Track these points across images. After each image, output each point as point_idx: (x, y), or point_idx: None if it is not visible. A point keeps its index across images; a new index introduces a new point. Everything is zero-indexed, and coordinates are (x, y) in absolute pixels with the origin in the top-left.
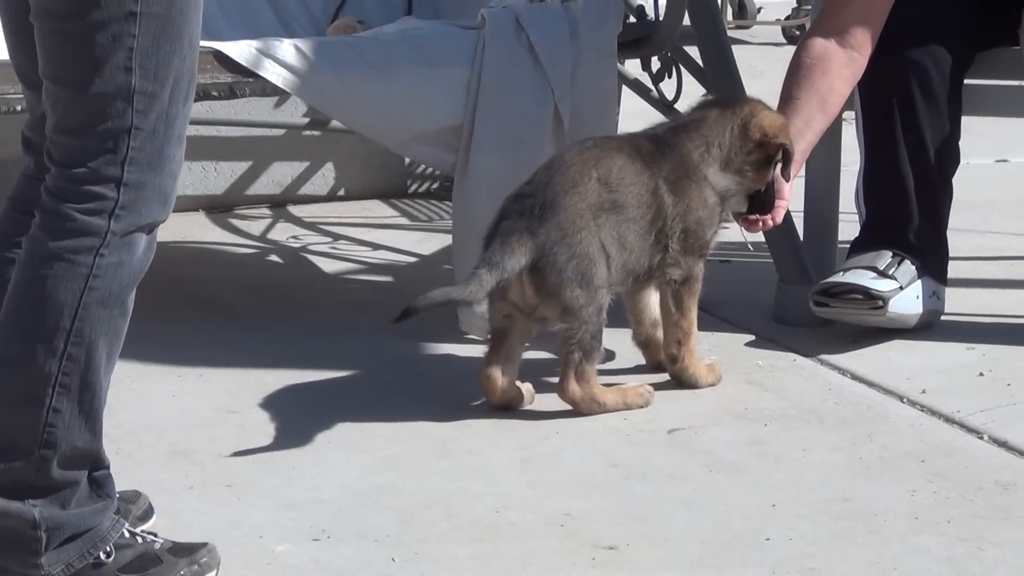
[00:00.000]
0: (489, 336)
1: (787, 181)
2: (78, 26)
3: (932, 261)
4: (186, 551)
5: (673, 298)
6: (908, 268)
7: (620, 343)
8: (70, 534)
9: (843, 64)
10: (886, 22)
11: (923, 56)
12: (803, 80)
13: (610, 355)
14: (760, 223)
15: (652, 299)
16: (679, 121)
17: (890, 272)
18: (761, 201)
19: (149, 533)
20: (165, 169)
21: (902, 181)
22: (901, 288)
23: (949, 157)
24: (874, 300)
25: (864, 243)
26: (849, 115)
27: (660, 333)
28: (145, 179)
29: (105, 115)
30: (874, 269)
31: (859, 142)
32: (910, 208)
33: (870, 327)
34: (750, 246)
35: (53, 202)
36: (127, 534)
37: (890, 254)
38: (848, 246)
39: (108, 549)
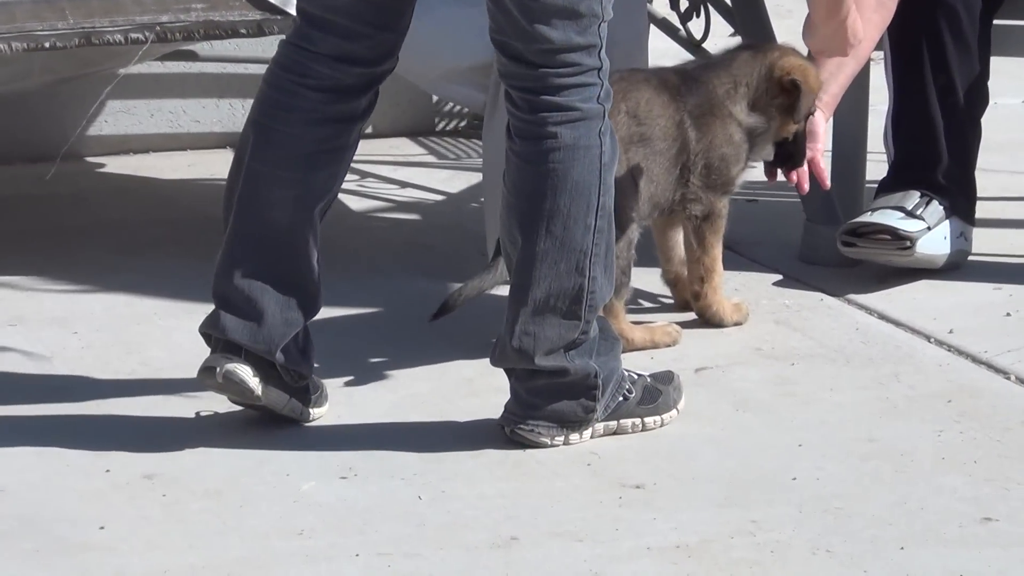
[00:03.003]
0: None
1: (795, 123)
2: None
3: (960, 201)
4: (663, 379)
5: (695, 234)
6: (936, 208)
7: (649, 283)
8: (608, 379)
9: (873, 9)
10: None
11: None
12: None
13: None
14: (796, 174)
15: (681, 236)
16: (709, 60)
17: (918, 212)
18: (789, 152)
19: (635, 371)
20: (616, 51)
21: (931, 121)
22: (929, 228)
23: (978, 97)
24: (902, 240)
25: (892, 183)
26: (877, 55)
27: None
28: (606, 60)
29: (587, 14)
30: (902, 209)
31: (888, 82)
32: (939, 148)
33: (897, 267)
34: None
35: (553, 98)
36: (626, 373)
37: (918, 194)
38: (876, 186)
39: (629, 387)
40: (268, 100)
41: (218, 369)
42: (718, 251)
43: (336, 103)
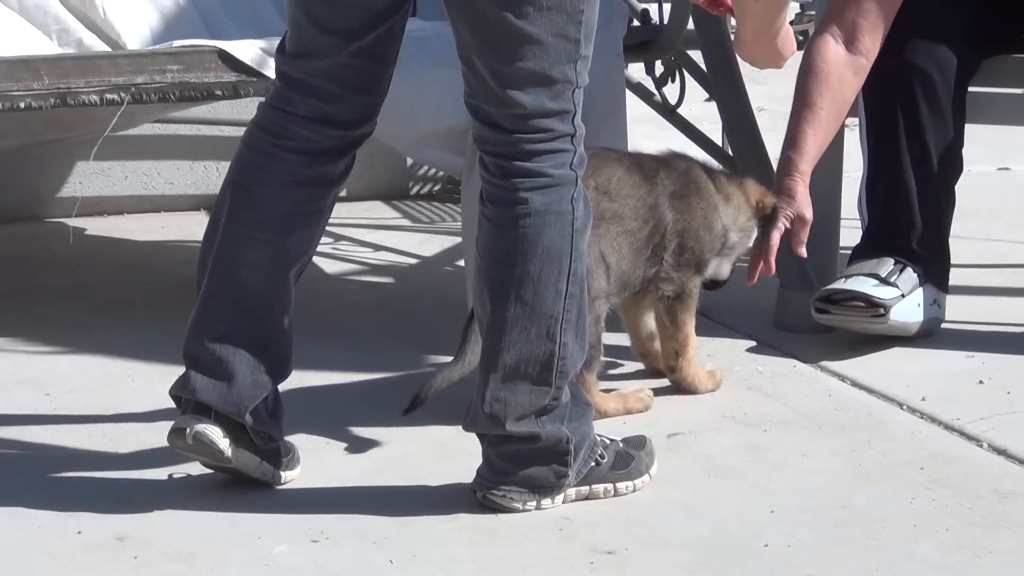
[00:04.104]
0: None
1: (771, 243)
2: (543, 11)
3: (934, 268)
4: (636, 444)
5: (667, 313)
6: (910, 275)
7: (620, 346)
8: (581, 444)
9: (854, 71)
10: (891, 28)
11: (928, 63)
12: (822, 87)
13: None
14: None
15: (647, 312)
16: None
17: (892, 279)
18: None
19: (606, 436)
20: (592, 113)
21: (905, 188)
22: (903, 296)
23: (952, 164)
24: (876, 308)
25: (866, 250)
26: (851, 121)
27: (658, 345)
28: (580, 127)
29: (561, 80)
30: (876, 276)
31: (862, 149)
32: (913, 215)
33: (871, 334)
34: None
35: (525, 164)
36: (598, 438)
37: (892, 261)
38: (849, 252)
39: (601, 452)
40: (246, 161)
41: (188, 430)
42: (691, 326)
43: (314, 165)
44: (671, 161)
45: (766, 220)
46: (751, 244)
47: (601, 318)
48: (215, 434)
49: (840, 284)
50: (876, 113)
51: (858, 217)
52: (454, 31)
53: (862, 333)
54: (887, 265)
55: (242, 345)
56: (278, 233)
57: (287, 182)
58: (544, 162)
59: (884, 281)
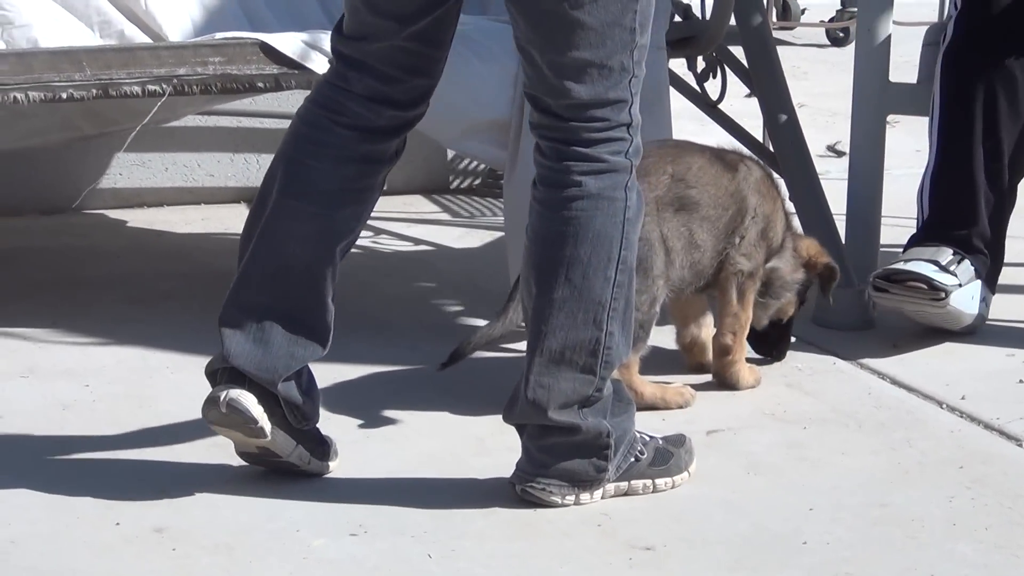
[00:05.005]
0: None
1: (830, 300)
2: (599, 0)
3: (988, 266)
4: (675, 441)
5: (738, 290)
6: (967, 267)
7: (661, 342)
8: (621, 439)
9: None
10: (974, 23)
11: (1013, 62)
12: None
13: None
14: None
15: (696, 300)
16: None
17: (951, 268)
18: (774, 338)
19: (646, 433)
20: (639, 104)
21: (973, 183)
22: (960, 285)
23: (1019, 165)
24: (936, 291)
25: (924, 239)
26: (893, 119)
27: (704, 332)
28: (638, 117)
29: (617, 70)
30: (935, 263)
31: (930, 140)
32: (977, 211)
33: (922, 321)
34: None
35: (582, 149)
36: (637, 435)
37: (951, 251)
38: (889, 250)
39: (640, 448)
40: (300, 135)
41: (221, 398)
42: (751, 310)
43: (366, 143)
44: (752, 156)
45: (824, 280)
46: (788, 302)
47: (656, 301)
48: (249, 401)
49: (900, 265)
50: (953, 107)
51: (900, 215)
52: (512, 23)
53: (914, 319)
54: (946, 254)
55: (281, 315)
56: (327, 207)
57: (339, 157)
58: (601, 149)
59: (943, 268)
